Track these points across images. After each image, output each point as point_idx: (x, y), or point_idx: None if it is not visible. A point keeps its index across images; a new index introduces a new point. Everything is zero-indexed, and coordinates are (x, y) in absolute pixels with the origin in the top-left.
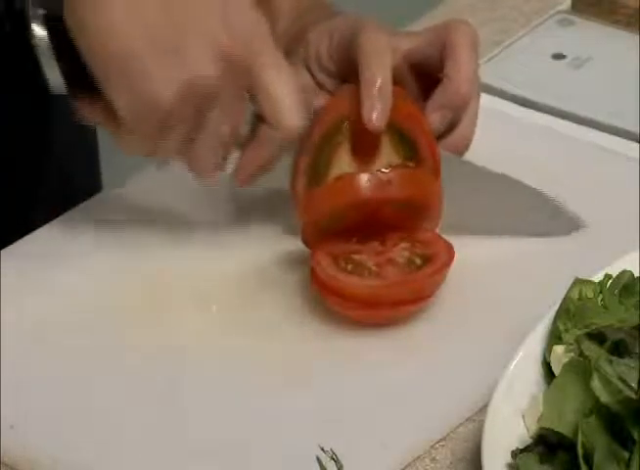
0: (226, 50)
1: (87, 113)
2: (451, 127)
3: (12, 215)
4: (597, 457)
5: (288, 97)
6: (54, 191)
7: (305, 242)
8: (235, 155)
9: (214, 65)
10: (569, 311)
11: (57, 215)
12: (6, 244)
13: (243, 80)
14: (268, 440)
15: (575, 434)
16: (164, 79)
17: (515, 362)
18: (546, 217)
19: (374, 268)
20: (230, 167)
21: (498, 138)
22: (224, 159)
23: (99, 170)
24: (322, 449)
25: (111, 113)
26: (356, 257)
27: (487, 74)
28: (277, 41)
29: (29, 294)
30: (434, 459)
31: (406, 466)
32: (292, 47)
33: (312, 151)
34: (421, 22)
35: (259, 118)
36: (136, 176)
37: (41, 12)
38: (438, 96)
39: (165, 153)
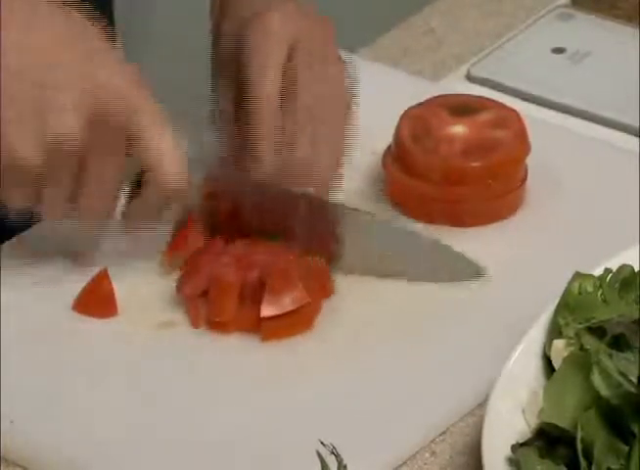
0: (94, 109)
1: None
2: None
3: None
4: (597, 451)
5: (169, 152)
6: None
7: None
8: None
9: (78, 123)
10: (569, 306)
11: None
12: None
13: (119, 135)
14: (269, 435)
15: (575, 428)
16: (25, 139)
17: (515, 357)
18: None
19: None
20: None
21: None
22: (111, 208)
23: None
24: (322, 444)
25: None
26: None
27: (487, 69)
28: None
29: (31, 291)
30: (433, 453)
31: (406, 460)
32: None
33: None
34: (422, 15)
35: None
36: None
37: None
38: None
39: (52, 205)
